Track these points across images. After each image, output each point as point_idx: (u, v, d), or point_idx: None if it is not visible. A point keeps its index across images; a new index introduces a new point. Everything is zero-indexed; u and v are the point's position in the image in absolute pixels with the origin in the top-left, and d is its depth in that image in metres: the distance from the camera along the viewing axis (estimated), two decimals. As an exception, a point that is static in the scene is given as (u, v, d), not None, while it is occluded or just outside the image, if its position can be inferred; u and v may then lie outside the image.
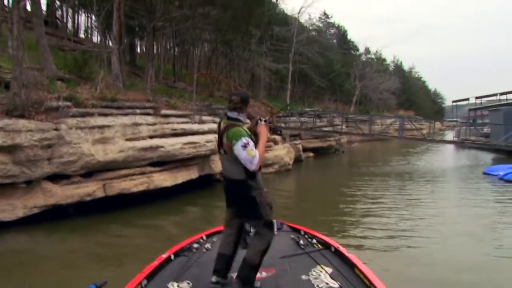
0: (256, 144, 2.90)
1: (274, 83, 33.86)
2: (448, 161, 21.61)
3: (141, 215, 9.27)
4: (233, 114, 2.97)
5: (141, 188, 9.81)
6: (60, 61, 11.81)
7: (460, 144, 23.20)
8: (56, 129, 8.11)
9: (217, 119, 13.85)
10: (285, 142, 19.47)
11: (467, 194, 11.20)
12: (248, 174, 2.85)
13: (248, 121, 3.07)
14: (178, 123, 11.19)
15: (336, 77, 37.88)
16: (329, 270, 3.10)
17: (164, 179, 10.34)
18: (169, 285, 2.98)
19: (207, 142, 11.70)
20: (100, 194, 9.09)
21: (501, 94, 27.48)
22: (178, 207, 10.11)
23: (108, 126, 9.17)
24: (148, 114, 10.44)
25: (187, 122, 11.64)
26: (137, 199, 9.89)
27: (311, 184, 14.89)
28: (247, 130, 2.93)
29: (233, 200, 3.03)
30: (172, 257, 3.54)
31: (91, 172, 9.05)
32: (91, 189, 8.90)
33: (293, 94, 34.06)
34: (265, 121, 3.10)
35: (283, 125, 20.42)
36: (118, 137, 9.29)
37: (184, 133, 11.14)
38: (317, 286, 2.86)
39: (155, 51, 25.68)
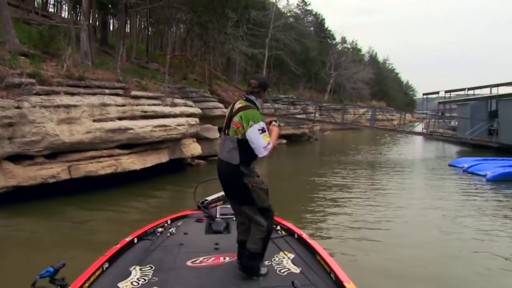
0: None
1: (249, 68, 33.59)
2: (416, 152, 22.15)
3: (107, 198, 9.05)
4: (251, 97, 2.94)
5: (108, 171, 9.55)
6: (25, 35, 11.24)
7: (428, 136, 23.81)
8: (18, 107, 7.73)
9: (190, 103, 13.65)
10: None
11: (433, 185, 11.52)
12: (243, 160, 2.82)
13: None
14: (149, 105, 10.91)
15: (312, 65, 38.01)
16: (291, 256, 3.16)
17: (132, 162, 10.10)
18: (132, 268, 2.94)
19: (179, 125, 11.49)
20: (64, 176, 8.78)
21: (469, 89, 28.28)
22: (146, 191, 9.92)
23: (75, 106, 8.81)
24: (117, 94, 10.11)
25: (158, 105, 11.36)
26: (104, 182, 9.64)
27: (282, 171, 14.93)
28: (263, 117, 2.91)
29: (227, 185, 2.98)
30: (135, 240, 3.50)
31: (55, 153, 8.71)
32: (55, 170, 8.57)
33: (268, 80, 33.95)
34: (278, 125, 3.15)
35: (257, 111, 20.27)
36: (85, 118, 8.97)
37: (155, 116, 10.88)
38: (279, 271, 2.91)
39: (128, 30, 24.96)
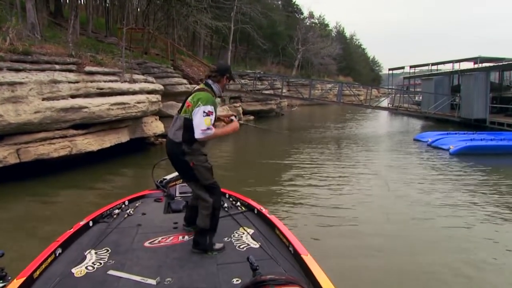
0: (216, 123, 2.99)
1: (215, 43, 32.68)
2: (382, 127, 22.42)
3: (62, 182, 8.51)
4: (209, 81, 3.04)
5: (62, 153, 8.94)
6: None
7: (394, 111, 24.11)
8: (-48, 85, 6.98)
9: (151, 79, 12.98)
10: (224, 104, 18.98)
11: (398, 160, 11.59)
12: (185, 139, 2.88)
13: (221, 93, 3.16)
14: (105, 81, 10.19)
15: (279, 39, 37.44)
16: (251, 231, 3.23)
17: (89, 143, 9.51)
18: (86, 253, 2.85)
19: (138, 103, 10.90)
20: (13, 160, 8.12)
21: (433, 64, 28.69)
22: (106, 173, 9.41)
23: (21, 83, 8.06)
24: (69, 70, 9.34)
25: (116, 81, 10.66)
26: (58, 165, 9.05)
27: (248, 149, 14.68)
28: (216, 103, 2.95)
29: (173, 163, 3.05)
30: (91, 224, 3.41)
31: (1, 135, 8.03)
32: (1, 154, 7.90)
33: (235, 55, 33.21)
34: (238, 119, 3.32)
35: (223, 87, 19.75)
36: (33, 96, 8.25)
37: (112, 93, 10.21)
38: (239, 247, 2.96)
39: (84, 1, 23.49)
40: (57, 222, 6.04)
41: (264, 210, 3.60)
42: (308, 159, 11.36)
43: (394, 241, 5.31)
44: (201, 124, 2.79)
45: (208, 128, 2.80)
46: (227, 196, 4.10)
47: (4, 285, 1.66)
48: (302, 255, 2.63)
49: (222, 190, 4.25)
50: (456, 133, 14.91)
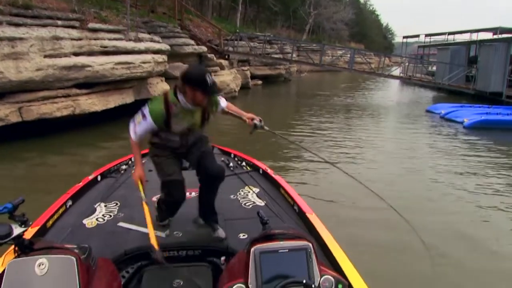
0: (168, 126, 2.44)
1: (225, 3, 31.61)
2: (394, 97, 21.84)
3: (67, 142, 8.40)
4: (175, 90, 2.43)
5: (65, 112, 8.72)
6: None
7: (407, 80, 23.45)
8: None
9: (157, 38, 12.53)
10: (232, 68, 18.50)
11: (409, 130, 11.29)
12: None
13: (189, 105, 2.41)
14: (109, 39, 9.79)
15: (290, 1, 36.15)
16: (256, 190, 3.30)
17: (92, 103, 9.25)
18: (96, 205, 2.96)
19: (144, 62, 10.51)
20: (15, 119, 7.92)
21: (450, 33, 27.58)
22: (110, 134, 9.22)
23: (21, 39, 7.72)
24: (72, 27, 8.94)
25: (121, 39, 10.24)
26: (62, 124, 8.84)
27: (256, 113, 14.38)
28: (161, 115, 2.40)
29: None
30: (99, 178, 3.48)
31: (2, 93, 7.79)
32: (3, 113, 7.71)
33: (244, 17, 32.22)
34: (260, 127, 2.87)
35: (231, 49, 19.23)
36: (34, 53, 7.92)
37: (117, 52, 9.82)
38: (244, 204, 3.04)
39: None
40: (64, 178, 5.92)
41: (269, 170, 3.64)
42: (315, 127, 11.09)
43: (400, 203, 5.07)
44: (133, 123, 2.48)
45: (132, 124, 2.48)
46: (232, 156, 4.17)
47: (26, 229, 1.70)
48: (306, 214, 2.71)
49: (228, 150, 4.30)
50: (470, 106, 14.44)
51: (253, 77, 22.21)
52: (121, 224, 2.71)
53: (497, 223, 5.00)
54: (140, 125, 2.42)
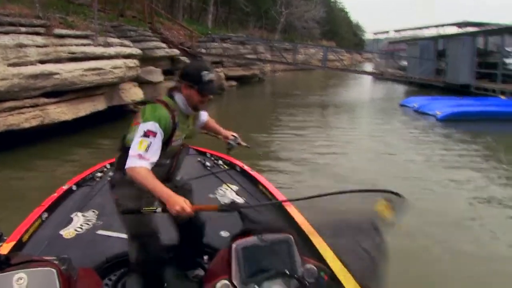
0: (169, 141, 1.98)
1: (196, 5, 31.34)
2: (367, 93, 22.16)
3: (37, 154, 8.02)
4: (171, 92, 2.08)
5: (34, 123, 8.35)
6: None
7: (379, 76, 23.82)
8: None
9: (127, 42, 12.23)
10: (206, 71, 18.27)
11: (384, 125, 11.45)
12: (118, 165, 2.09)
13: (189, 109, 2.08)
14: (77, 45, 9.47)
15: (262, 2, 36.21)
16: (235, 187, 3.29)
17: (62, 112, 8.90)
18: (73, 215, 2.90)
19: (115, 68, 10.22)
20: (-21, 130, 7.54)
21: (418, 28, 28.30)
22: (82, 143, 8.90)
23: (-18, 47, 7.38)
24: (37, 33, 8.59)
25: (89, 45, 9.93)
26: (31, 136, 8.48)
27: (231, 114, 14.29)
28: (169, 121, 1.96)
29: None
30: (74, 187, 3.41)
31: (-36, 105, 7.41)
32: (-35, 125, 7.31)
33: (216, 19, 32.02)
34: (238, 143, 2.64)
35: (203, 50, 19.04)
36: (-3, 61, 7.57)
37: (85, 58, 9.51)
38: (224, 202, 2.83)
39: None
40: (35, 192, 5.65)
41: (246, 167, 3.65)
42: (291, 125, 11.08)
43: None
44: (133, 147, 1.86)
45: (140, 155, 1.82)
46: (208, 155, 4.14)
47: (1, 245, 1.71)
48: (286, 207, 2.73)
49: (204, 149, 4.16)
50: (442, 99, 14.77)
51: (228, 78, 22.07)
52: (101, 232, 2.69)
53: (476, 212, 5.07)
54: (151, 148, 1.86)
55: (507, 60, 17.98)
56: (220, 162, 3.89)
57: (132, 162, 1.83)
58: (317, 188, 5.76)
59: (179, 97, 2.03)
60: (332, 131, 10.38)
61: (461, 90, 17.66)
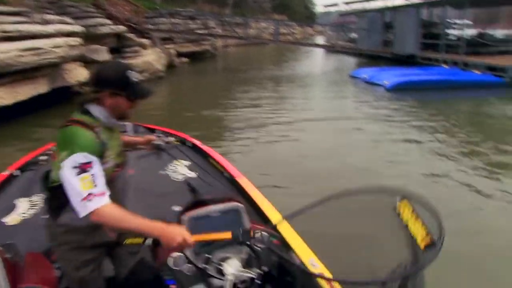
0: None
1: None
2: (319, 66, 22.48)
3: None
4: (87, 106, 1.65)
5: (-33, 109, 7.75)
6: None
7: (330, 48, 24.12)
8: None
9: (68, 19, 11.51)
10: (155, 47, 17.70)
11: (336, 96, 11.72)
12: (51, 210, 1.68)
13: (113, 120, 1.71)
14: (10, 23, 8.76)
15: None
16: (186, 163, 3.28)
17: (-1, 97, 8.31)
18: (17, 201, 2.78)
19: (55, 47, 9.57)
20: None
21: (367, 0, 28.75)
22: (25, 128, 8.40)
23: None
24: (-37, 10, 7.87)
25: (25, 22, 9.22)
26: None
27: (184, 92, 14.01)
28: (96, 143, 1.56)
29: None
30: (17, 173, 3.24)
31: None
32: None
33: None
34: (166, 142, 2.47)
35: (152, 27, 18.33)
36: None
37: (21, 37, 8.81)
38: (175, 178, 3.02)
39: None
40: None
41: (197, 142, 3.64)
42: (245, 100, 11.04)
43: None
44: (76, 193, 1.46)
45: (90, 195, 1.45)
46: (157, 131, 4.00)
47: None
48: (237, 178, 2.83)
49: (153, 126, 4.06)
50: (390, 69, 15.23)
51: (179, 55, 21.48)
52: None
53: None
54: (98, 180, 1.50)
55: (449, 31, 18.80)
56: (170, 138, 3.77)
57: (88, 207, 1.46)
58: (274, 162, 5.83)
59: (97, 110, 1.63)
60: (286, 105, 10.46)
61: (407, 61, 18.31)
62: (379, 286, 1.29)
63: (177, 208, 2.42)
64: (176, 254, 1.65)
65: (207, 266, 1.60)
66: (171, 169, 3.20)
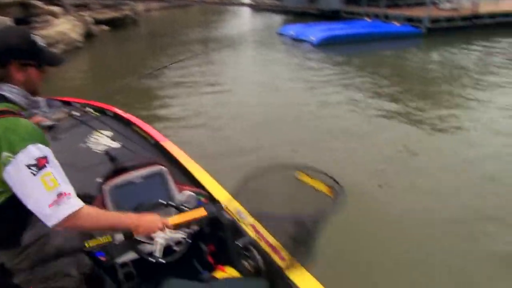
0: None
1: None
2: (247, 25, 22.11)
3: None
4: (2, 88, 1.32)
5: None
6: None
7: (256, 7, 23.78)
8: None
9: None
10: (67, 14, 16.26)
11: (264, 54, 11.74)
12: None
13: (32, 98, 1.42)
14: None
15: None
16: (109, 133, 3.13)
17: None
18: None
19: None
20: None
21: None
22: None
23: None
24: None
25: None
26: None
27: (107, 63, 13.14)
28: (38, 130, 1.28)
29: None
30: None
31: None
32: None
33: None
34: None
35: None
36: None
37: None
38: (98, 150, 2.88)
39: None
40: None
41: (119, 111, 3.52)
42: (175, 67, 10.60)
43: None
44: (40, 195, 1.19)
45: (60, 196, 1.21)
46: (74, 103, 3.78)
47: None
48: (161, 142, 2.83)
49: (68, 99, 3.81)
50: (316, 25, 15.37)
51: (97, 22, 19.96)
52: None
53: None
54: (60, 176, 1.24)
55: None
56: (89, 109, 3.49)
57: (60, 213, 1.20)
58: (202, 128, 5.72)
59: (12, 91, 1.33)
60: (215, 67, 10.25)
61: (333, 16, 18.60)
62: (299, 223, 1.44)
63: (100, 180, 2.33)
64: None
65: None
66: (92, 141, 3.08)
